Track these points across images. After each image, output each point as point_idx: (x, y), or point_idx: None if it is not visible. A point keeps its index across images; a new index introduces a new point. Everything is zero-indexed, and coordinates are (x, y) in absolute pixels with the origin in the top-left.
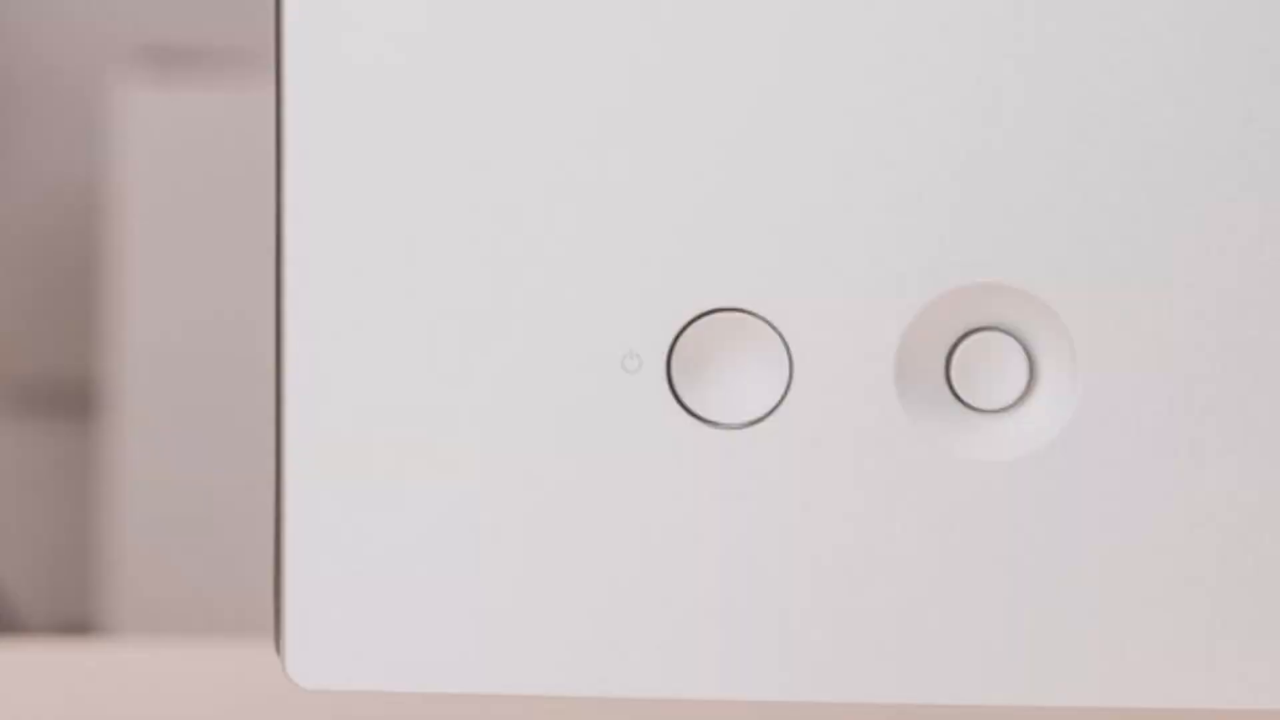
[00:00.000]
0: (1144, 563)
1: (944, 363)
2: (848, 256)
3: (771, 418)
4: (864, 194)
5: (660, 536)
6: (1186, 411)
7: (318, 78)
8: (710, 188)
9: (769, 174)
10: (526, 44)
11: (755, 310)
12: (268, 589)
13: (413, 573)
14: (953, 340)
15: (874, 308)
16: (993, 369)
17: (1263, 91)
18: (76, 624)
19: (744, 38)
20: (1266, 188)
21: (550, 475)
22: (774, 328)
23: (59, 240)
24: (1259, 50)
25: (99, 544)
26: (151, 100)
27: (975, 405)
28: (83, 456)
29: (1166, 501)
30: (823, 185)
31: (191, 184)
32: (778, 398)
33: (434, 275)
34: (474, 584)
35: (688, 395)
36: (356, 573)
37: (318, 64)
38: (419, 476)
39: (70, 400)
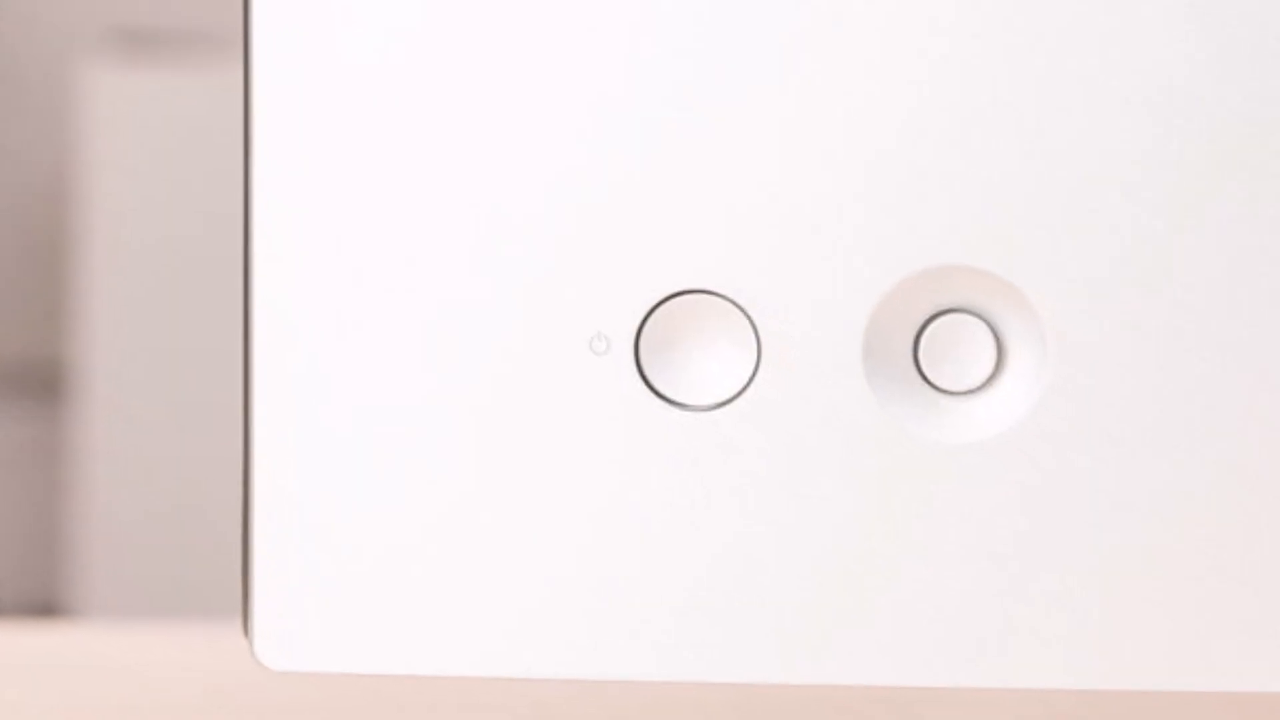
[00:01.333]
0: (1111, 546)
1: (912, 345)
2: (815, 238)
3: (739, 400)
4: (833, 175)
5: (628, 518)
6: (1155, 394)
7: (286, 59)
8: (678, 170)
9: (738, 156)
10: (494, 28)
11: (723, 292)
12: (236, 571)
13: (380, 555)
14: (921, 322)
15: (842, 289)
16: (961, 351)
17: (1227, 69)
18: (44, 606)
19: (709, 21)
20: (1239, 171)
21: (517, 458)
22: (742, 310)
23: (27, 222)
24: (1229, 34)
25: (68, 526)
26: (119, 82)
27: (943, 387)
28: (52, 439)
29: (1134, 485)
30: (792, 167)
31: (160, 166)
32: (745, 380)
33: (401, 258)
34: (442, 566)
35: (656, 377)
36: (324, 555)
37: (285, 45)
38: (386, 459)
39: (39, 383)
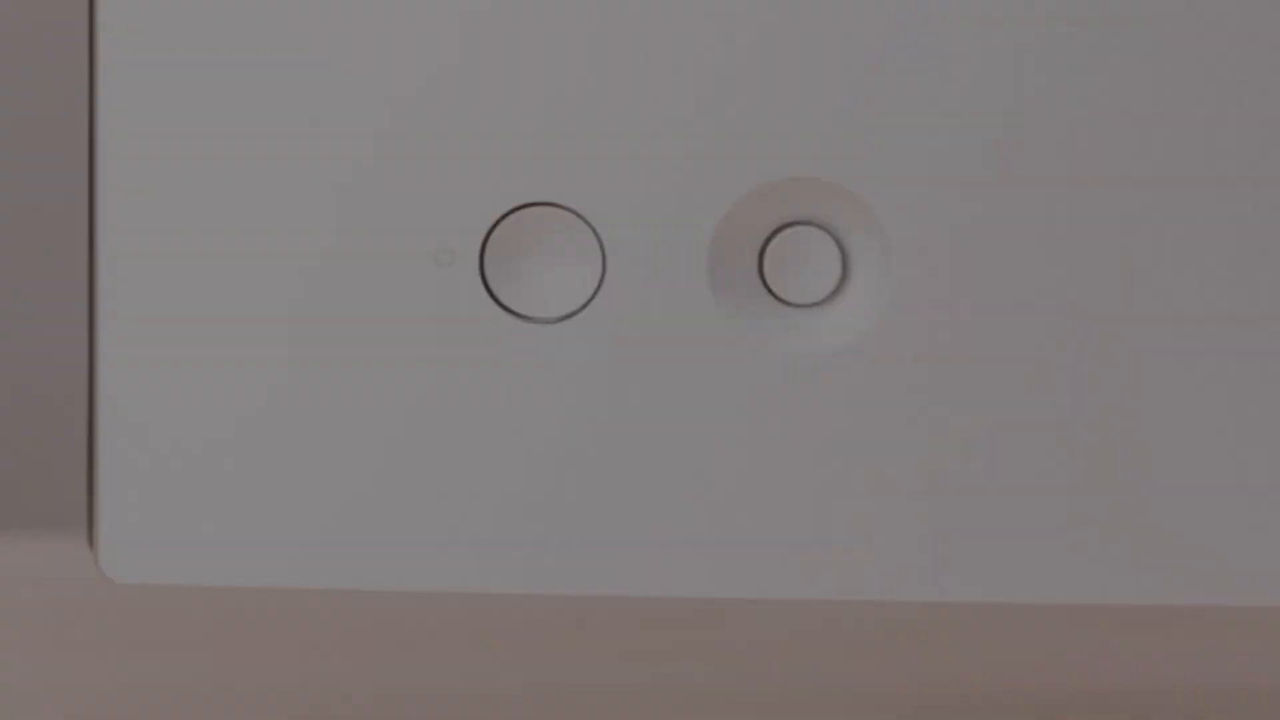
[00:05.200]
0: (953, 458)
1: (757, 257)
2: (661, 150)
3: (584, 312)
4: (677, 87)
5: (472, 431)
6: (998, 307)
7: None
8: (523, 83)
9: (583, 68)
10: None
11: (568, 205)
12: (81, 481)
13: (225, 468)
14: (766, 235)
15: (687, 202)
16: (806, 263)
17: None
18: None
19: None
20: (1083, 77)
21: (364, 370)
22: (587, 222)
23: None
24: None
25: None
26: None
27: (788, 300)
28: None
29: (976, 397)
30: (636, 77)
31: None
32: (591, 292)
33: (246, 166)
34: (288, 478)
35: (501, 290)
36: (170, 466)
37: None
38: (233, 370)
39: None
